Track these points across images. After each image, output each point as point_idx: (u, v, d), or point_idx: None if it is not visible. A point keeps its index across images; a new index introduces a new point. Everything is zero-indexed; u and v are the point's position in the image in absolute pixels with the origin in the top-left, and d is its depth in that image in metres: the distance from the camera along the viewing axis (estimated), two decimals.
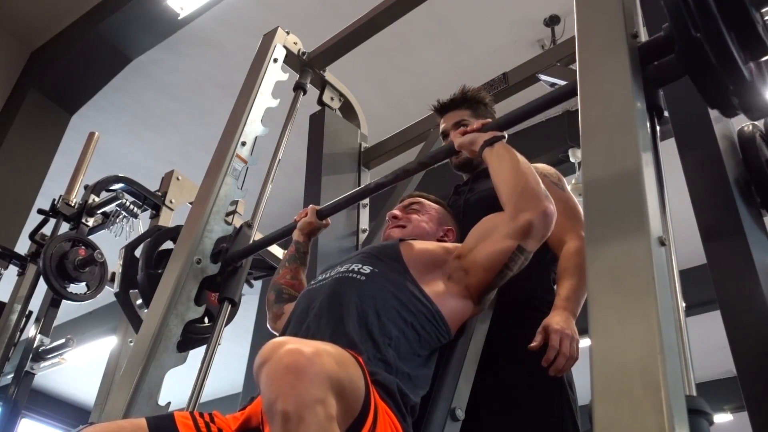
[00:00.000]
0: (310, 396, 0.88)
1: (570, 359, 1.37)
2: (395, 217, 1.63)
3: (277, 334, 1.52)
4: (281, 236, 1.90)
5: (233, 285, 1.94)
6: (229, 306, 1.93)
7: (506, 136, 1.46)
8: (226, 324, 1.93)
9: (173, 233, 2.16)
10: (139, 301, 2.15)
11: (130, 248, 2.21)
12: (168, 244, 2.16)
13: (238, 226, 2.08)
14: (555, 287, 1.68)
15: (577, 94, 1.16)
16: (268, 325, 1.69)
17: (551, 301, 1.63)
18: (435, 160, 1.68)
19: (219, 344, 1.86)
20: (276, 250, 3.28)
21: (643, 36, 1.22)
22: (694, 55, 1.06)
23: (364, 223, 2.54)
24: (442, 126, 1.92)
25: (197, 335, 1.90)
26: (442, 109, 1.93)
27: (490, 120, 1.51)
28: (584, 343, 0.99)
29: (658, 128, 1.14)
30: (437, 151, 1.68)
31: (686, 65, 1.10)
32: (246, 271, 2.00)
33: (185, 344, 1.84)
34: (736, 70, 1.06)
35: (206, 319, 1.96)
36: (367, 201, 2.58)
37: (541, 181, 1.37)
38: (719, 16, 1.04)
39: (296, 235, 1.77)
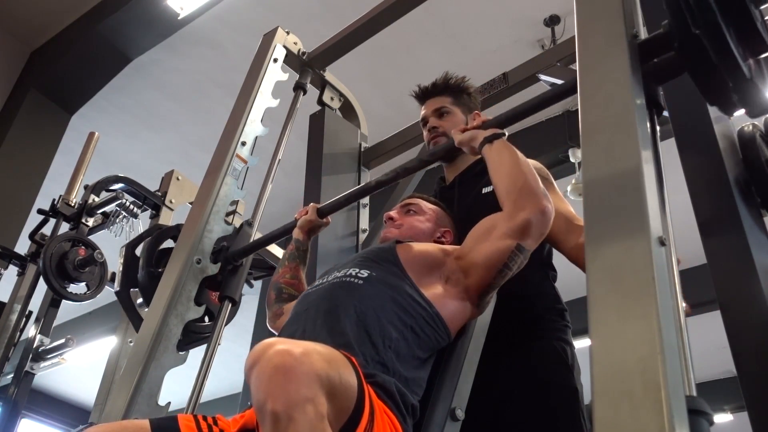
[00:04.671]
0: (300, 395, 0.88)
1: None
2: (392, 218, 1.63)
3: (276, 334, 1.52)
4: (282, 234, 1.90)
5: (234, 283, 1.94)
6: (230, 305, 1.93)
7: (506, 133, 1.46)
8: (227, 323, 1.93)
9: (174, 232, 2.16)
10: (140, 300, 2.15)
11: (130, 247, 2.21)
12: (168, 243, 2.16)
13: (238, 226, 2.08)
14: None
15: (576, 92, 1.16)
16: (267, 324, 1.68)
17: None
18: (435, 157, 1.67)
19: (219, 344, 1.86)
20: (276, 250, 3.27)
21: (644, 35, 1.22)
22: (694, 51, 1.06)
23: (364, 223, 2.54)
24: (422, 112, 1.89)
25: (198, 333, 1.91)
26: (423, 95, 1.89)
27: (490, 117, 1.50)
28: (584, 343, 0.99)
29: (657, 127, 1.14)
30: (437, 148, 1.67)
31: (686, 62, 1.10)
32: (246, 269, 2.00)
33: (186, 342, 1.85)
34: (736, 67, 1.06)
35: (206, 318, 1.96)
36: (367, 201, 2.58)
37: (539, 179, 1.37)
38: (718, 12, 1.04)
39: (296, 233, 1.77)
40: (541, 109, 1.43)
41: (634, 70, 1.10)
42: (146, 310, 1.92)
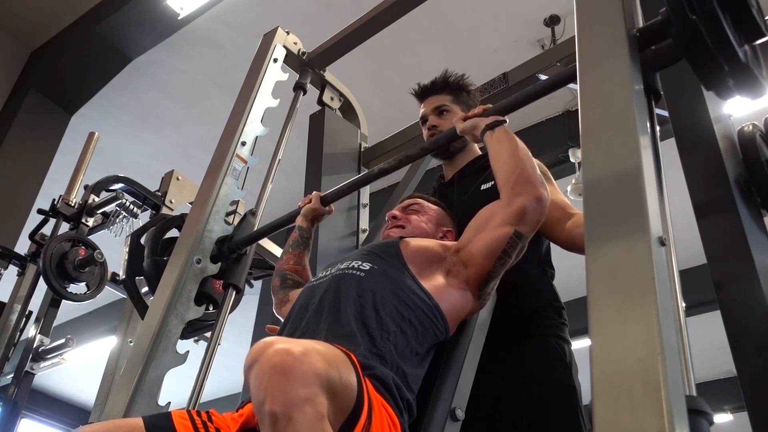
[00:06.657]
0: (299, 395, 0.87)
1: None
2: (395, 217, 1.64)
3: (282, 320, 1.53)
4: (286, 222, 1.91)
5: (238, 271, 1.96)
6: (234, 292, 1.95)
7: (507, 120, 1.47)
8: (231, 311, 1.95)
9: (178, 221, 2.19)
10: (145, 289, 2.17)
11: (135, 236, 2.23)
12: (173, 232, 2.18)
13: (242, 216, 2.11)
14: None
15: (576, 80, 1.17)
16: (273, 310, 1.69)
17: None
18: (437, 145, 1.70)
19: (219, 344, 1.86)
20: (276, 250, 3.27)
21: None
22: (691, 37, 1.08)
23: (364, 223, 2.54)
24: (422, 111, 1.90)
25: (201, 321, 1.92)
26: (423, 93, 1.90)
27: (491, 105, 1.52)
28: (584, 343, 0.99)
29: (657, 127, 1.14)
30: (439, 137, 1.69)
31: (683, 48, 1.12)
32: (251, 258, 2.02)
33: (189, 331, 1.87)
34: (732, 52, 1.09)
35: (211, 306, 1.97)
36: (367, 201, 2.58)
37: (537, 168, 1.40)
38: None
39: (300, 221, 1.79)
40: (543, 95, 1.45)
41: (634, 69, 1.10)
42: (152, 298, 1.93)
